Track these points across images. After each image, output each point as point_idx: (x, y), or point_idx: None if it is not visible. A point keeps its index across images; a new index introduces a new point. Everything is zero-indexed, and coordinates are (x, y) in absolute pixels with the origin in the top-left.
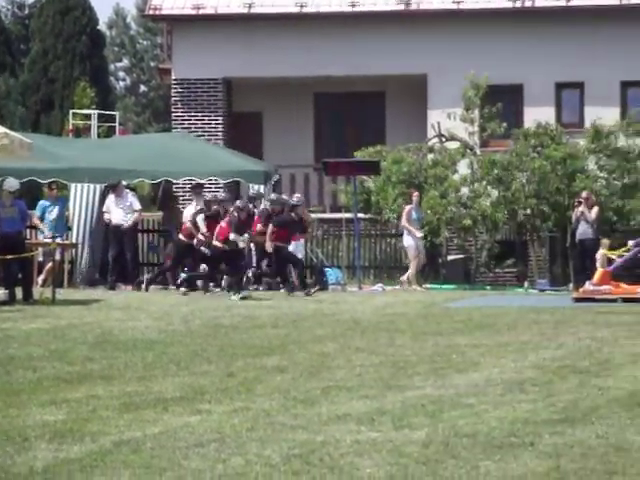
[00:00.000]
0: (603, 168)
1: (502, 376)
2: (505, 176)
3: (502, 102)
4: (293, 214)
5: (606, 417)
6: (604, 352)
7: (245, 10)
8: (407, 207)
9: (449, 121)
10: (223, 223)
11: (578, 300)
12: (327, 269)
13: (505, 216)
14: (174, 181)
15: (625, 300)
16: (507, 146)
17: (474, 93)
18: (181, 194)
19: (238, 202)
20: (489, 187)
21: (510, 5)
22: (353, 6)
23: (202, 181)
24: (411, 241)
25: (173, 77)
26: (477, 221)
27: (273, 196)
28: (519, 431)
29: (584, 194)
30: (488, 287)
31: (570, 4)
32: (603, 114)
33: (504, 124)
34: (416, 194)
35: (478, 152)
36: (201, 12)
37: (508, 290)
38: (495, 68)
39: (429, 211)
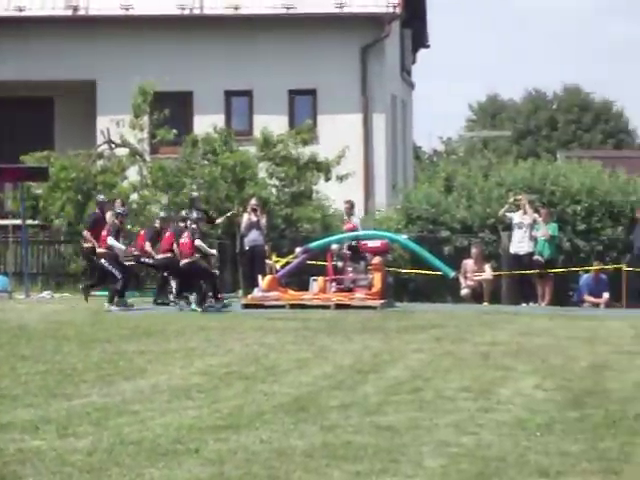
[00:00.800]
0: (273, 176)
1: (169, 383)
2: (175, 182)
3: (172, 109)
4: None
5: (270, 422)
6: (271, 358)
7: None
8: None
9: (119, 128)
10: None
11: (247, 307)
12: None
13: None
14: None
15: (292, 306)
16: (177, 153)
17: (142, 99)
18: None
19: None
20: (159, 193)
21: (179, 12)
22: (20, 10)
23: None
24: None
25: None
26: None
27: None
28: (184, 438)
29: (253, 201)
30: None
31: (238, 12)
32: (271, 122)
33: (174, 131)
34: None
35: (148, 159)
36: None
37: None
38: (165, 75)
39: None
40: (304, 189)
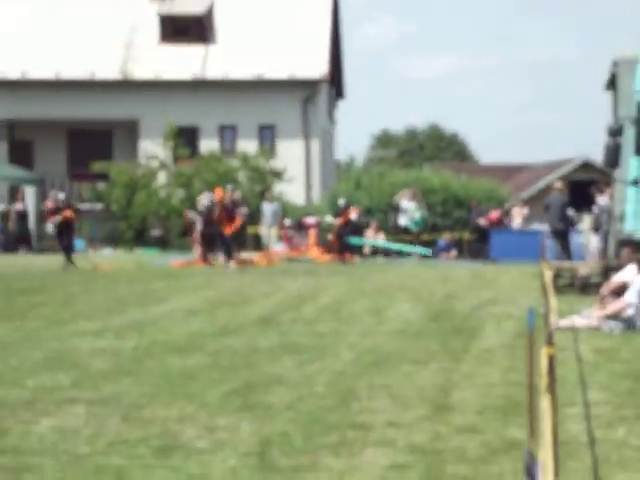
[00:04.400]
0: (248, 179)
1: (183, 306)
2: (187, 183)
3: (186, 137)
4: None
5: (246, 330)
6: (247, 291)
7: (20, 76)
8: None
9: (151, 148)
10: None
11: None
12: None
13: (186, 207)
14: None
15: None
16: (190, 164)
17: (168, 130)
18: None
19: None
20: (178, 189)
21: (189, 78)
22: (91, 74)
23: None
24: None
25: None
26: (170, 212)
27: None
28: (193, 340)
29: (236, 194)
30: (176, 252)
31: (227, 78)
32: (248, 146)
33: (187, 150)
34: None
35: (171, 167)
36: None
37: (188, 253)
38: (181, 115)
39: None
40: (266, 188)
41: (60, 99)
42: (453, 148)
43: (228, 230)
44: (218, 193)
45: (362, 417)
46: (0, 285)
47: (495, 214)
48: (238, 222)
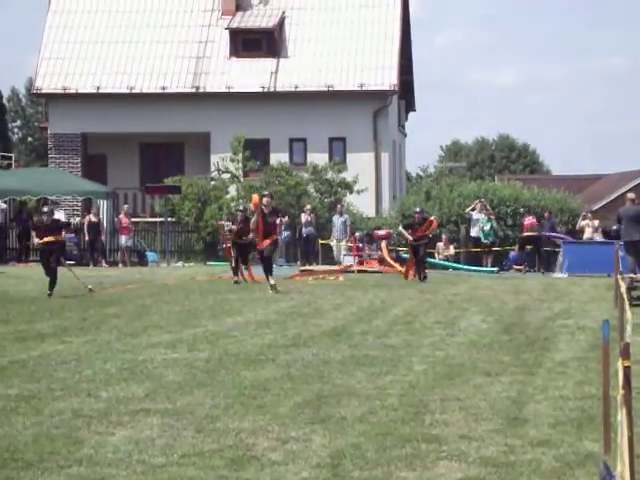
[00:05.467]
0: (317, 191)
1: (255, 318)
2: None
3: (255, 149)
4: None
5: (318, 343)
6: (318, 303)
7: (94, 90)
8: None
9: (224, 161)
10: None
11: (303, 271)
12: (147, 252)
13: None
14: (49, 197)
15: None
16: (260, 177)
17: (237, 143)
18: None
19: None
20: (248, 202)
21: (260, 89)
22: (163, 89)
23: (68, 197)
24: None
25: (49, 132)
26: None
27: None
28: (265, 352)
29: (307, 207)
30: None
31: (298, 90)
32: (318, 158)
33: (257, 162)
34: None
35: (242, 180)
36: (66, 91)
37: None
38: (251, 128)
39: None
40: (336, 200)
41: (133, 113)
42: (524, 159)
43: (263, 243)
44: (254, 200)
45: (434, 430)
46: (75, 298)
47: (530, 221)
48: (274, 234)
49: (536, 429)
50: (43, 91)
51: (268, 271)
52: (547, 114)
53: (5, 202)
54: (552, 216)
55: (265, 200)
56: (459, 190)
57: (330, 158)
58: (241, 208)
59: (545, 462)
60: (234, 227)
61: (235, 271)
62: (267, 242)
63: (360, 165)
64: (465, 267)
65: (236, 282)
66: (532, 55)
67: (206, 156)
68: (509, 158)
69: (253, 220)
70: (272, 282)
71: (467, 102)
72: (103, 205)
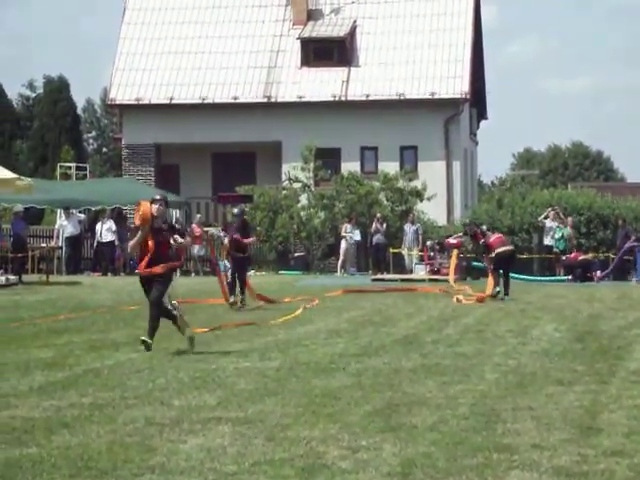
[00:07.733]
0: (389, 200)
1: (326, 327)
2: (329, 204)
3: (326, 158)
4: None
5: (389, 351)
6: (389, 312)
7: (167, 101)
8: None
9: (295, 170)
10: None
11: (374, 280)
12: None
13: (328, 229)
14: (123, 207)
15: (402, 280)
16: (331, 186)
17: (308, 152)
18: (130, 215)
19: None
20: (319, 211)
21: (331, 99)
22: (235, 99)
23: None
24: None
25: (123, 143)
26: (311, 233)
27: None
28: (336, 360)
29: (378, 215)
30: (318, 273)
31: (369, 98)
32: (389, 166)
33: (328, 171)
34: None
35: (313, 189)
36: (140, 102)
37: (330, 275)
38: (322, 137)
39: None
40: (408, 209)
41: (205, 123)
42: (598, 167)
43: (153, 268)
44: (144, 210)
45: (506, 439)
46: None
47: (575, 255)
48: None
49: (609, 439)
50: (117, 102)
51: (153, 320)
52: (621, 121)
53: (81, 212)
54: (626, 224)
55: (155, 208)
56: (531, 198)
57: (401, 167)
58: (235, 212)
59: (619, 472)
60: (226, 241)
61: (231, 290)
62: (157, 269)
63: (431, 173)
64: (530, 278)
65: (232, 304)
66: (605, 62)
67: (277, 165)
68: (582, 165)
69: (137, 236)
70: (143, 338)
71: (540, 110)
72: (174, 215)
